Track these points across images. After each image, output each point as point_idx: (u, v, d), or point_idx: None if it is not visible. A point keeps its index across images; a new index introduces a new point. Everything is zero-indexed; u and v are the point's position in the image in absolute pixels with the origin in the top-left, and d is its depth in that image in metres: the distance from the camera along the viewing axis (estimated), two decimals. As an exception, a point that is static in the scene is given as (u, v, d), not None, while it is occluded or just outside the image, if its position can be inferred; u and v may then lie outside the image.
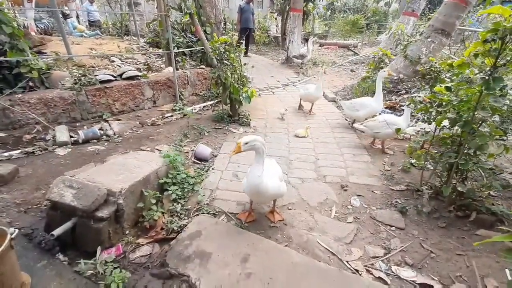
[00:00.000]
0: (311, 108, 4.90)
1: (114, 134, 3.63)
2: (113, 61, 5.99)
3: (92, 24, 10.48)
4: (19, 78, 3.59)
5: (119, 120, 3.91)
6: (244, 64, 5.65)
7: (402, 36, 8.32)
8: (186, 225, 2.10)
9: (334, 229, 2.22)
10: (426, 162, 2.63)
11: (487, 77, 1.81)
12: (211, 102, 4.75)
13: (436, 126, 2.34)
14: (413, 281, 1.77)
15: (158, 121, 4.06)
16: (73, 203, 1.76)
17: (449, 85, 2.09)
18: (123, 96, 4.03)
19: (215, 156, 3.28)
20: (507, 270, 1.73)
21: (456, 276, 1.80)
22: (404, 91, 4.90)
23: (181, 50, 4.84)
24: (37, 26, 8.10)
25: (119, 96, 3.99)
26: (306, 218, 2.33)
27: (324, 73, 4.40)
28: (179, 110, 4.43)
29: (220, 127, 3.99)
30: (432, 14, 10.09)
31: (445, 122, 2.30)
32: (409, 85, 4.97)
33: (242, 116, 4.20)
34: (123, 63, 5.88)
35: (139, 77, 4.22)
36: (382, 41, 10.14)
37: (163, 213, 2.25)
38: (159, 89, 4.44)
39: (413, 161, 3.20)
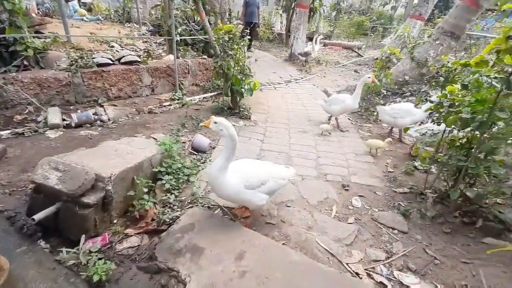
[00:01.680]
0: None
1: (109, 119, 3.49)
2: (112, 47, 5.82)
3: (84, 4, 10.29)
4: (14, 56, 3.45)
5: (115, 106, 3.77)
6: (248, 57, 5.54)
7: (408, 39, 8.22)
8: (179, 217, 1.98)
9: (334, 229, 2.11)
10: (431, 166, 2.53)
11: (507, 76, 1.71)
12: (212, 94, 4.61)
13: (445, 127, 2.24)
14: (416, 288, 1.67)
15: (155, 109, 3.93)
16: (58, 186, 1.64)
17: (466, 82, 1.98)
18: (120, 81, 3.88)
19: (213, 148, 3.16)
20: (516, 282, 1.64)
21: (461, 284, 1.70)
22: (409, 93, 4.80)
23: (183, 37, 4.69)
24: (38, 9, 7.91)
25: (116, 81, 3.84)
26: (305, 216, 2.23)
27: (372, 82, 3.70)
28: (178, 99, 4.29)
29: (219, 119, 3.86)
30: (438, 19, 10.02)
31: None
32: (415, 88, 4.87)
33: (242, 109, 4.08)
34: (122, 49, 5.71)
35: (138, 63, 4.07)
36: (387, 44, 10.02)
37: (155, 203, 2.12)
38: (159, 76, 4.29)
39: (417, 163, 3.10)
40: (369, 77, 3.61)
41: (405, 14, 19.37)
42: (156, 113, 3.87)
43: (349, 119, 4.46)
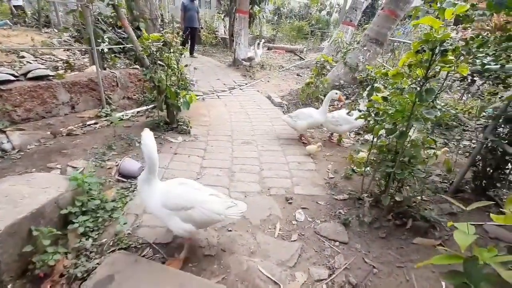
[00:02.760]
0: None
1: (13, 148, 2.89)
2: (22, 57, 4.99)
3: (17, 8, 8.89)
4: None
5: (22, 130, 3.16)
6: (186, 65, 5.24)
7: (341, 44, 8.82)
8: (96, 267, 1.66)
9: (278, 251, 2.01)
10: (366, 169, 2.63)
11: (419, 88, 1.80)
12: (147, 107, 4.22)
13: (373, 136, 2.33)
14: (357, 305, 1.66)
15: (76, 130, 3.41)
16: None
17: (385, 94, 2.06)
18: (28, 100, 3.28)
19: (146, 171, 2.83)
20: (443, 283, 1.73)
21: (397, 292, 1.74)
22: (345, 97, 5.06)
23: (105, 47, 4.20)
24: None
25: (22, 100, 3.23)
26: (247, 240, 2.09)
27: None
28: (105, 116, 3.81)
29: (155, 136, 3.49)
30: (366, 25, 10.99)
31: (382, 131, 2.30)
32: (349, 91, 5.16)
33: (181, 123, 3.80)
34: (36, 60, 4.93)
35: (50, 77, 3.49)
36: (325, 48, 10.63)
37: (66, 253, 1.76)
38: (79, 91, 3.75)
39: (354, 167, 3.23)
40: (336, 93, 3.60)
41: (339, 19, 21.02)
42: (78, 134, 3.36)
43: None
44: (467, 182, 2.77)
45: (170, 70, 3.70)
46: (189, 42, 9.71)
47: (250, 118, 4.70)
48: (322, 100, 4.70)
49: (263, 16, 12.31)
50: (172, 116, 3.72)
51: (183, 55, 5.24)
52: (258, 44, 8.61)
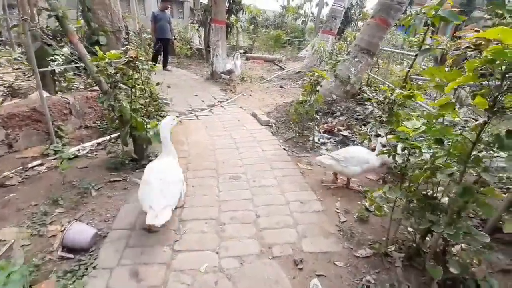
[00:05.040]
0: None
1: None
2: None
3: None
4: None
5: None
6: (158, 83, 4.54)
7: (324, 53, 8.52)
8: None
9: None
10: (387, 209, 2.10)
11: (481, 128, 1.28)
12: (108, 137, 3.45)
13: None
14: None
15: (12, 179, 2.60)
16: None
17: (441, 137, 1.52)
18: None
19: (104, 236, 2.10)
20: None
21: None
22: (339, 113, 4.61)
23: (55, 67, 3.41)
24: None
25: None
26: None
27: None
28: (54, 153, 3.00)
29: (118, 179, 2.78)
30: (346, 34, 10.87)
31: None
32: (343, 106, 4.72)
33: (153, 158, 3.09)
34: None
35: (-27, 111, 2.67)
36: (306, 57, 10.35)
37: None
38: (18, 125, 2.94)
39: (367, 204, 2.70)
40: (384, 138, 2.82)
41: (314, 27, 21.21)
42: (12, 185, 2.54)
43: (284, 149, 3.94)
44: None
45: (137, 93, 3.01)
46: (162, 55, 8.99)
47: (236, 143, 4.07)
48: (316, 119, 4.20)
49: (240, 26, 11.85)
50: (141, 151, 3.01)
51: (153, 72, 4.55)
52: (237, 55, 8.08)
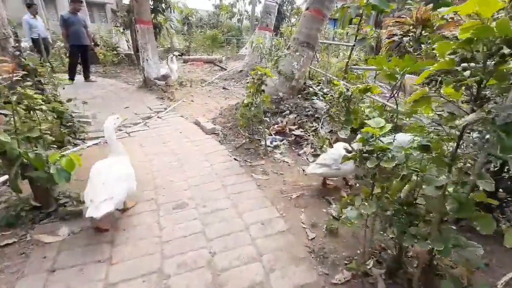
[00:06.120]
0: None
1: None
2: None
3: (36, 41, 7.06)
4: None
5: None
6: (69, 100, 3.67)
7: (264, 50, 8.31)
8: None
9: None
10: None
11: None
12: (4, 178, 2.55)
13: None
14: None
15: None
16: None
17: (425, 143, 1.23)
18: None
19: None
20: None
21: None
22: (288, 111, 4.35)
23: None
24: None
25: None
26: None
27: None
28: None
29: (12, 240, 1.99)
30: (282, 29, 10.90)
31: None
32: (291, 103, 4.48)
33: (64, 200, 2.33)
34: None
35: None
36: (247, 55, 10.06)
37: None
38: None
39: (333, 211, 2.44)
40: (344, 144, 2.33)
41: (250, 25, 21.20)
42: None
43: (235, 159, 3.50)
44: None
45: (36, 116, 2.24)
46: (82, 64, 7.71)
47: (179, 160, 3.47)
48: (265, 121, 3.86)
49: (171, 26, 10.95)
50: (45, 195, 2.23)
51: (60, 86, 3.67)
52: (172, 58, 7.33)
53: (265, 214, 2.44)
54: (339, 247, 2.07)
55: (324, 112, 4.32)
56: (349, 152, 1.68)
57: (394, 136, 1.61)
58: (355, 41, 4.94)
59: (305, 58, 4.60)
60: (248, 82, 8.04)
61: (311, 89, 4.78)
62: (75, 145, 3.63)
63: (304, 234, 2.22)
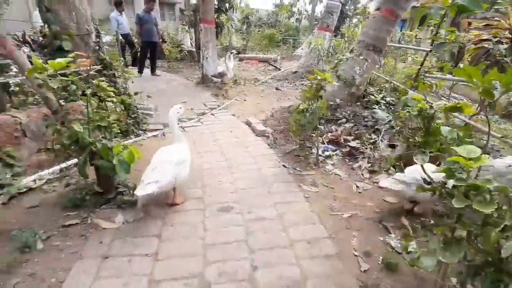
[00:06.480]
0: None
1: None
2: None
3: (124, 36, 8.14)
4: None
5: None
6: (136, 93, 3.96)
7: (322, 51, 7.97)
8: None
9: None
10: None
11: None
12: (62, 166, 2.84)
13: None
14: None
15: None
16: None
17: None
18: None
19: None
20: None
21: None
22: (344, 120, 4.04)
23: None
24: None
25: None
26: None
27: None
28: (0, 189, 2.42)
29: (75, 221, 2.19)
30: (343, 29, 10.32)
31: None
32: (348, 111, 4.15)
33: (122, 189, 2.50)
34: None
35: None
36: (303, 56, 9.78)
37: None
38: (-51, 156, 2.35)
39: (393, 241, 2.14)
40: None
41: (309, 25, 20.67)
42: None
43: (284, 165, 3.36)
44: None
45: (107, 106, 2.44)
46: (150, 59, 8.39)
47: (228, 160, 3.48)
48: (319, 132, 3.63)
49: (232, 26, 11.25)
50: (107, 182, 2.42)
51: (129, 79, 3.96)
52: (229, 56, 7.50)
53: (312, 232, 2.26)
54: (398, 286, 1.79)
55: (385, 123, 3.90)
56: (427, 182, 1.41)
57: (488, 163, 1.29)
58: (431, 45, 4.34)
59: (370, 62, 4.22)
60: (302, 84, 7.83)
61: (372, 96, 4.36)
62: (137, 135, 3.92)
63: (355, 263, 1.98)
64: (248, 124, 4.72)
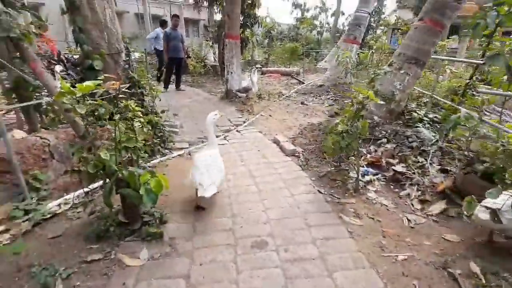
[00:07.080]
0: None
1: None
2: None
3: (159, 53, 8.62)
4: None
5: None
6: (163, 111, 3.85)
7: (350, 64, 7.65)
8: None
9: None
10: None
11: None
12: (86, 190, 2.70)
13: None
14: None
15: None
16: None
17: None
18: None
19: None
20: None
21: None
22: (385, 140, 3.67)
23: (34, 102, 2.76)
24: None
25: None
26: None
27: None
28: (25, 214, 2.31)
29: (98, 257, 2.00)
30: (372, 41, 9.96)
31: None
32: (388, 130, 3.78)
33: (148, 219, 2.30)
34: None
35: None
36: (328, 69, 9.50)
37: None
38: (-23, 180, 2.28)
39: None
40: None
41: (331, 37, 20.44)
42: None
43: (319, 191, 3.04)
44: None
45: (134, 127, 2.29)
46: (175, 75, 8.50)
47: (257, 184, 3.22)
48: (359, 154, 3.29)
49: (256, 40, 11.28)
50: (133, 211, 2.23)
51: (164, 93, 3.85)
52: (254, 71, 7.40)
53: (363, 279, 1.91)
54: None
55: (432, 144, 3.49)
56: None
57: None
58: (482, 57, 3.91)
59: (411, 77, 3.86)
60: (329, 99, 7.50)
61: (414, 113, 3.97)
62: (163, 154, 3.78)
63: (422, 324, 1.61)
64: (276, 142, 4.46)
